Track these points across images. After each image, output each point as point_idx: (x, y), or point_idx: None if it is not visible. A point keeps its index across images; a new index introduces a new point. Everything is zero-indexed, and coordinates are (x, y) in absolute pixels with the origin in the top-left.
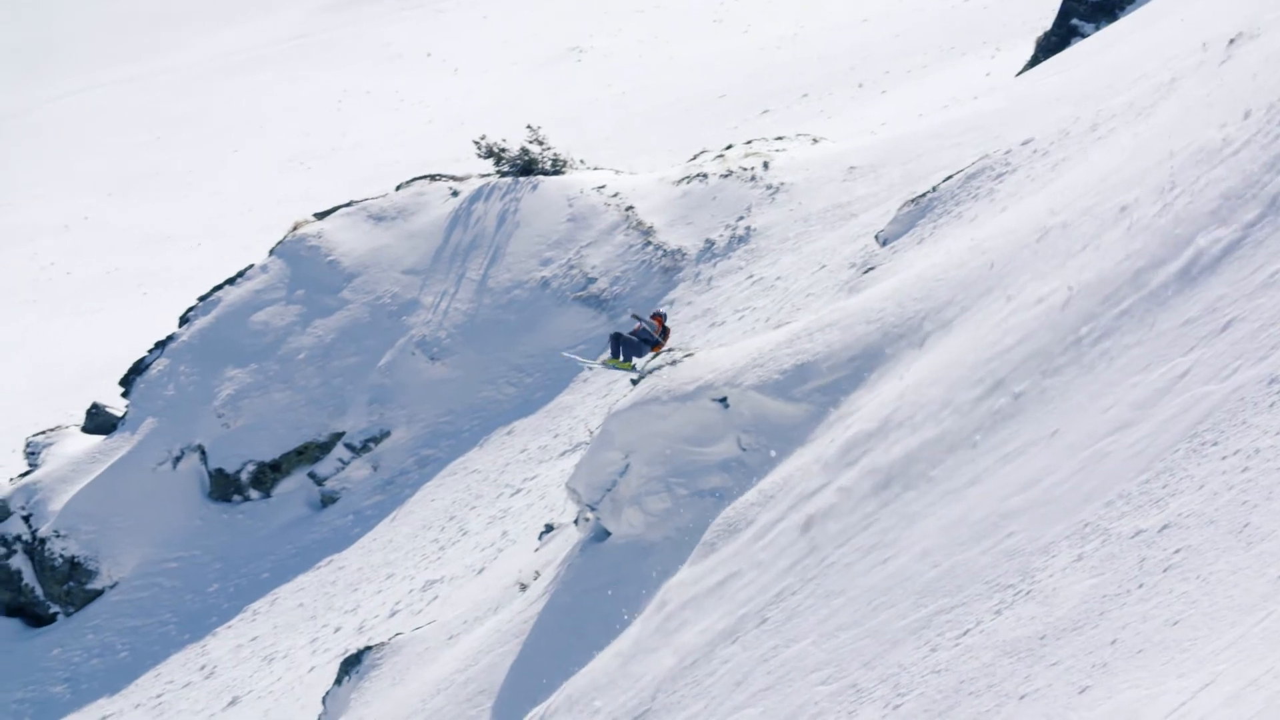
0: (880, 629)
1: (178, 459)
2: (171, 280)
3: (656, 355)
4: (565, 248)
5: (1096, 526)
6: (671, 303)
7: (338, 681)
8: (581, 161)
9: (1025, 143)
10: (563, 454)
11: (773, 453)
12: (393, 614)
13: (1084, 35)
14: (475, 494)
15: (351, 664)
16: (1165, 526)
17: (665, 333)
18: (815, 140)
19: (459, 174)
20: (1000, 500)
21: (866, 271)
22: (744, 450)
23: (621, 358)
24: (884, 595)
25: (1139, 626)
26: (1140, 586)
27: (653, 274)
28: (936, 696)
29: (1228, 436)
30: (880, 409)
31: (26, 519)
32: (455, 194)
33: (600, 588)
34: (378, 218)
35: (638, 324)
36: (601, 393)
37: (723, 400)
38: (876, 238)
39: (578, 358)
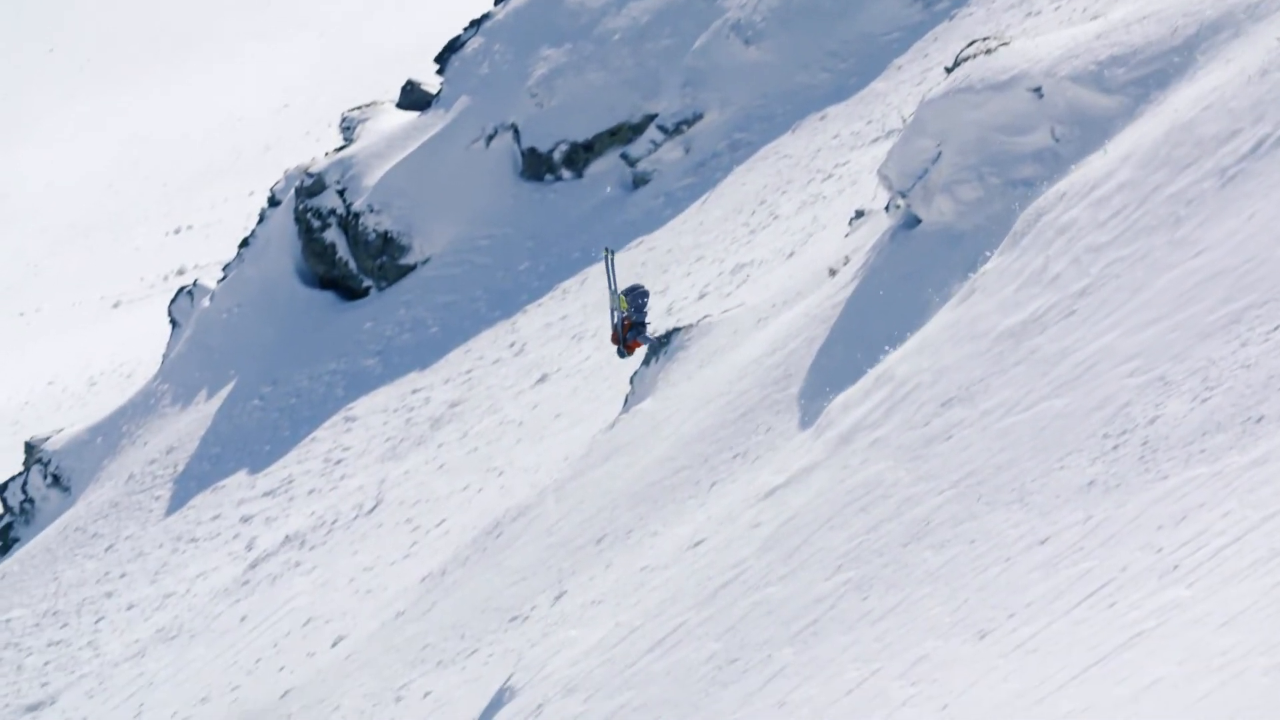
0: (1189, 322)
1: (491, 137)
2: None
3: (630, 332)
4: None
5: None
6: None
7: (645, 362)
8: None
9: None
10: (875, 140)
11: (1086, 143)
12: (701, 296)
13: None
14: (786, 179)
15: (660, 345)
16: None
17: (635, 323)
18: None
19: None
20: None
21: None
22: (1057, 141)
23: (631, 308)
24: (1194, 289)
25: None
26: None
27: None
28: (1245, 391)
29: None
30: (1197, 103)
31: (341, 193)
32: None
33: (909, 275)
34: None
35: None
36: (915, 80)
37: (1037, 90)
38: None
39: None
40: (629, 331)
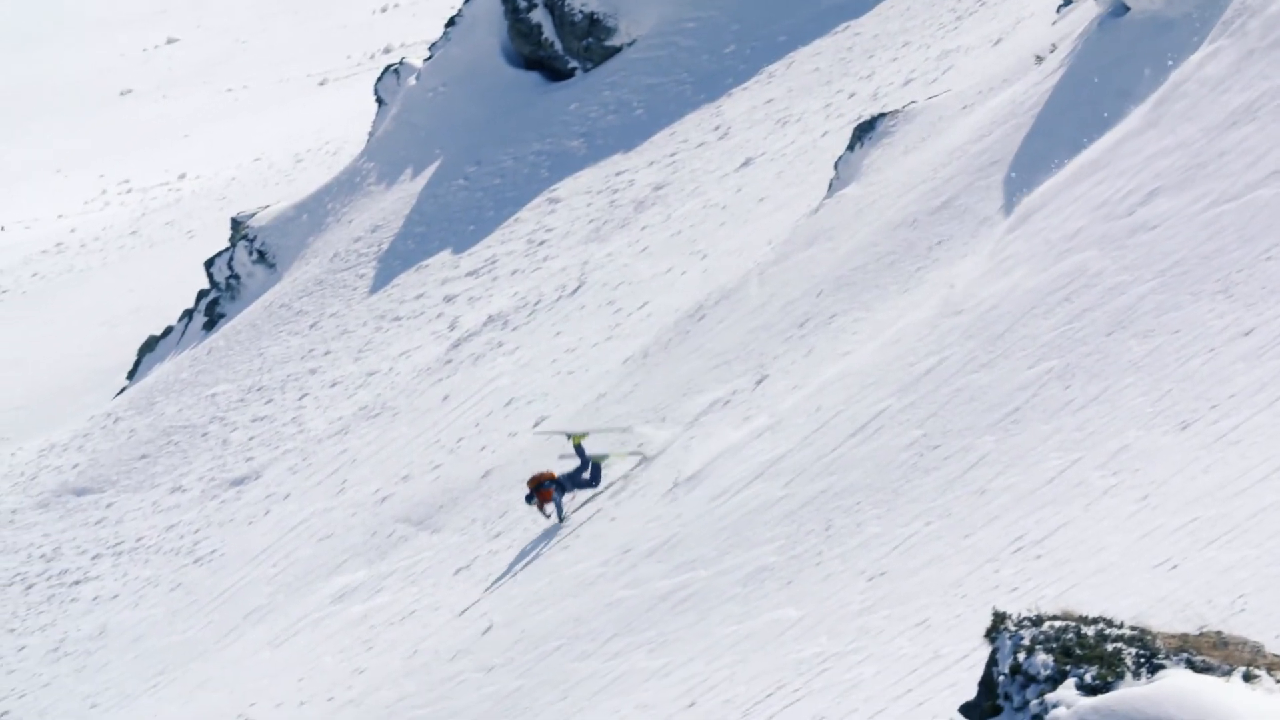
0: None
1: None
2: None
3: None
4: None
5: None
6: None
7: (850, 147)
8: None
9: None
10: None
11: None
12: (907, 82)
13: None
14: None
15: (865, 130)
16: None
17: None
18: None
19: None
20: None
21: None
22: None
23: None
24: None
25: None
26: None
27: None
28: None
29: None
30: None
31: None
32: None
33: (1116, 63)
34: None
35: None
36: None
37: None
38: None
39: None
40: (545, 481)
